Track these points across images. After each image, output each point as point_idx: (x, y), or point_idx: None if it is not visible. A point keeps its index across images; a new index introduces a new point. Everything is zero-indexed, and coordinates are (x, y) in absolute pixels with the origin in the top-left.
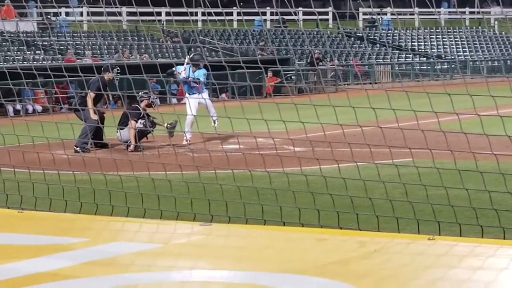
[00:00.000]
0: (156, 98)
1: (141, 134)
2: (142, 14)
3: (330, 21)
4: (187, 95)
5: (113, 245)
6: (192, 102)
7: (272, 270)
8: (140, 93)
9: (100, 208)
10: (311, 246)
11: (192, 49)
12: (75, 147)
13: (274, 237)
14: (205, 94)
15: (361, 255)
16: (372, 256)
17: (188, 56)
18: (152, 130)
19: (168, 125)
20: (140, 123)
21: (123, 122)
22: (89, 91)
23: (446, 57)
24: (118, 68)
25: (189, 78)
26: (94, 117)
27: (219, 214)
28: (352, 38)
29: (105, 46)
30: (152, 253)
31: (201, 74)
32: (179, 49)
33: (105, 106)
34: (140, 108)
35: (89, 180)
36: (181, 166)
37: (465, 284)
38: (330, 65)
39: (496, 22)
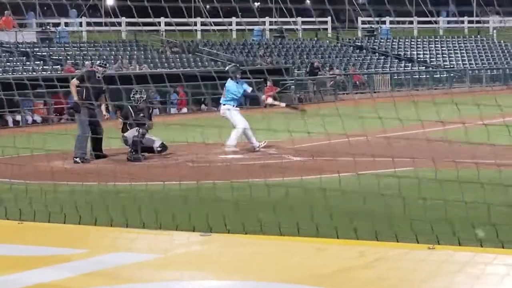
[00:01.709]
0: (143, 96)
1: (141, 136)
2: (142, 24)
3: (329, 30)
4: (233, 107)
5: (113, 255)
6: (239, 115)
7: (271, 280)
8: (131, 94)
9: (99, 220)
10: (311, 256)
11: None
12: (74, 158)
13: (271, 246)
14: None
15: (362, 264)
16: (373, 266)
17: (233, 71)
18: (148, 131)
19: (158, 149)
20: (137, 131)
21: (124, 129)
22: (73, 79)
23: (445, 66)
24: (106, 63)
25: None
26: (84, 111)
27: (218, 225)
28: (352, 48)
29: (105, 56)
30: (152, 263)
31: (246, 85)
32: (178, 59)
33: (106, 117)
34: (129, 108)
35: (90, 191)
36: (180, 177)
37: None
38: (330, 74)
39: (494, 31)
